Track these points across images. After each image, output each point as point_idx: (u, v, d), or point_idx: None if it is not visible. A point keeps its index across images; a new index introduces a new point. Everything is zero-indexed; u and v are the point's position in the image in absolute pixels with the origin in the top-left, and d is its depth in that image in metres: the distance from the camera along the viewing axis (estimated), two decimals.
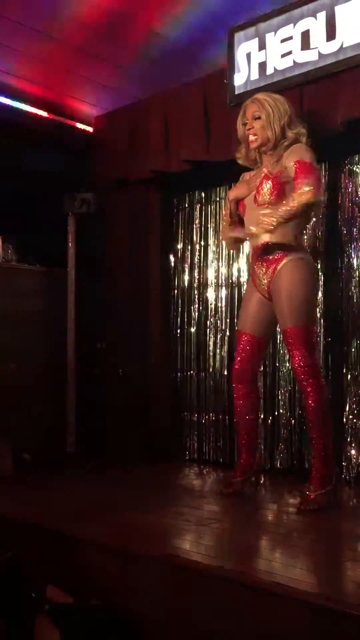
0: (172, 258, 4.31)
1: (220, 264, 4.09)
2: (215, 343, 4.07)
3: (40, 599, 2.26)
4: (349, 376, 3.49)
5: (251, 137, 3.03)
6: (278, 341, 3.78)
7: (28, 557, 2.59)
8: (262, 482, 3.44)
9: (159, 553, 2.25)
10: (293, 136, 2.99)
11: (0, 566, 2.58)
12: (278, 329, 3.13)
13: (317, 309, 3.43)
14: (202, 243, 4.19)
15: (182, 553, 2.28)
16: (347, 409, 3.47)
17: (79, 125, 4.42)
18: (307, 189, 2.79)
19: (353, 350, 3.48)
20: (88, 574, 2.39)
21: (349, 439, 3.45)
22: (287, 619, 1.88)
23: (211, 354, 4.08)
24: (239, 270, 4.00)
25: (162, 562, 2.20)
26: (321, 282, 3.51)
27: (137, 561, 2.26)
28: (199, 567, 2.12)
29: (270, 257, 2.95)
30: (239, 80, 3.52)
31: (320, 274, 3.48)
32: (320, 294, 3.50)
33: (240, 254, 3.99)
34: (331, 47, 3.15)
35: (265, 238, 2.95)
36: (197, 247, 4.21)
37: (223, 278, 4.07)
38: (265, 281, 2.98)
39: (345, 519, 2.86)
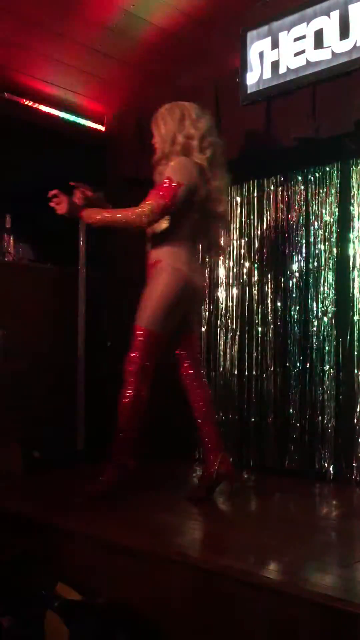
0: None
1: (230, 263, 4.08)
2: (225, 342, 4.07)
3: (50, 596, 2.26)
4: None
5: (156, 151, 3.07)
6: (288, 341, 3.77)
7: (37, 555, 2.59)
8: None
9: (167, 551, 2.25)
10: (182, 140, 2.95)
11: (9, 563, 2.59)
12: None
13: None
14: None
15: (190, 551, 2.27)
16: (358, 409, 3.45)
17: (91, 124, 4.43)
18: (138, 210, 2.84)
19: None
20: (97, 572, 2.39)
21: (359, 440, 3.44)
22: (297, 620, 1.87)
23: (221, 353, 4.08)
24: (249, 270, 3.99)
25: (170, 560, 2.20)
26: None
27: (145, 559, 2.26)
28: (208, 566, 2.11)
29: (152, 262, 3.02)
30: (251, 79, 3.51)
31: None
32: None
33: (250, 254, 3.98)
34: (345, 46, 3.13)
35: (149, 247, 3.06)
36: None
37: (233, 277, 4.07)
38: None
39: (356, 519, 2.85)
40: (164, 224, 2.96)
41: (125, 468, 2.97)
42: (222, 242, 3.32)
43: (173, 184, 2.83)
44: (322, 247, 3.68)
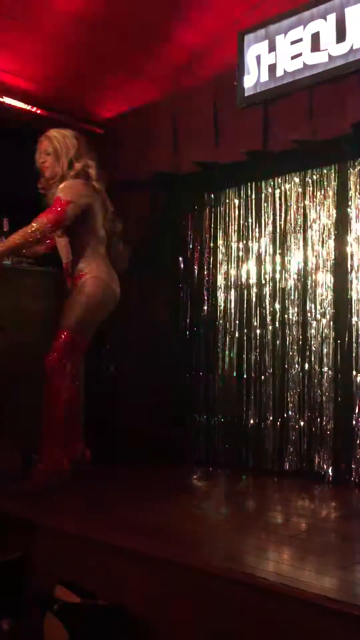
0: (181, 259, 4.32)
1: (229, 265, 4.09)
2: (224, 344, 4.08)
3: (50, 598, 2.26)
4: (359, 379, 3.48)
5: (45, 171, 3.29)
6: (287, 343, 3.78)
7: (36, 557, 2.60)
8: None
9: (167, 554, 2.25)
10: (80, 167, 3.24)
11: (8, 566, 2.59)
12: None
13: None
14: (212, 244, 4.20)
15: (188, 554, 2.28)
16: (357, 411, 3.46)
17: (89, 127, 4.43)
18: (29, 228, 3.09)
19: None
20: (96, 575, 2.39)
21: (358, 442, 3.45)
22: (296, 622, 1.87)
23: (220, 355, 4.09)
24: (247, 272, 4.00)
25: (170, 563, 2.20)
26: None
27: (145, 562, 2.27)
28: (207, 569, 2.12)
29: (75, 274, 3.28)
30: (248, 82, 3.52)
31: None
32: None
33: (250, 256, 3.99)
34: (341, 49, 3.13)
35: (65, 259, 3.37)
36: (206, 248, 4.21)
37: (232, 280, 4.08)
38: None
39: (355, 521, 2.86)
40: (73, 241, 3.29)
41: (59, 462, 3.13)
42: (123, 255, 3.55)
43: (62, 202, 3.13)
44: (320, 249, 3.69)
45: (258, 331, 3.92)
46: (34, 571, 2.56)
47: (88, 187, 3.24)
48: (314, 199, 3.72)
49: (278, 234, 3.87)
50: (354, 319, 3.51)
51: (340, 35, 3.13)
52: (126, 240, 4.03)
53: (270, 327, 3.87)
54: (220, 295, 4.13)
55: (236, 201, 4.08)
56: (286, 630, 1.89)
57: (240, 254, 4.04)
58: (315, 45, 3.23)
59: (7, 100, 3.99)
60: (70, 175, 3.23)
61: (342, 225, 3.59)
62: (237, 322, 4.03)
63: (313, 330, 3.68)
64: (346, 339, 3.54)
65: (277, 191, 3.88)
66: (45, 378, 3.15)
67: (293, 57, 3.32)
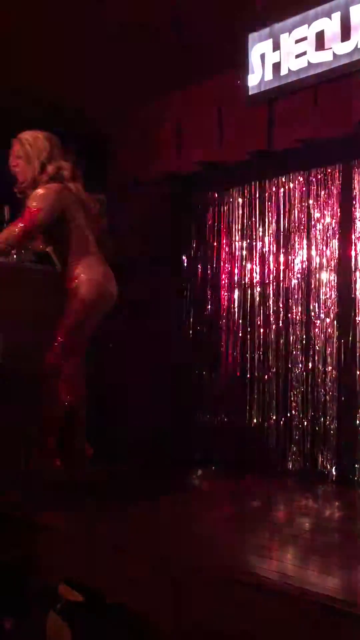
0: (184, 258, 4.32)
1: (233, 264, 4.09)
2: (227, 344, 4.07)
3: (53, 597, 2.26)
4: None
5: (17, 175, 3.20)
6: (291, 342, 3.77)
7: (40, 556, 2.60)
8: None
9: (170, 553, 2.25)
10: (52, 170, 3.13)
11: (12, 565, 2.59)
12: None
13: None
14: (215, 244, 4.19)
15: (192, 553, 2.27)
16: None
17: (93, 126, 4.43)
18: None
19: None
20: (99, 574, 2.39)
21: None
22: (299, 621, 1.87)
23: (224, 355, 4.08)
24: (251, 271, 4.00)
25: (172, 562, 2.20)
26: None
27: (146, 560, 2.26)
28: (210, 568, 2.12)
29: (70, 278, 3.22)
30: (253, 81, 3.52)
31: None
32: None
33: (254, 255, 3.99)
34: (346, 47, 3.14)
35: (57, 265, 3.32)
36: (210, 247, 4.21)
37: (236, 279, 4.07)
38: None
39: (358, 520, 2.85)
40: (61, 247, 3.22)
41: (51, 463, 3.11)
42: (111, 250, 3.45)
43: (32, 211, 3.04)
44: (324, 249, 3.68)
45: (261, 330, 3.91)
46: (37, 570, 2.56)
47: (62, 191, 3.12)
48: (318, 198, 3.72)
49: (282, 233, 3.86)
50: (358, 318, 3.51)
51: (345, 34, 3.13)
52: (124, 238, 4.04)
53: (273, 327, 3.86)
54: (224, 295, 4.12)
55: (240, 200, 4.07)
56: (289, 630, 1.89)
57: (244, 253, 4.03)
58: (320, 44, 3.23)
59: None
60: (42, 180, 3.13)
61: (346, 224, 3.59)
62: (240, 321, 4.03)
63: (317, 330, 3.68)
64: (350, 338, 3.53)
65: (281, 190, 3.87)
66: (41, 380, 3.13)
67: (298, 56, 3.32)
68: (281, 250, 3.86)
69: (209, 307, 4.18)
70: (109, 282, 3.25)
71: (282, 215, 3.87)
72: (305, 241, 3.76)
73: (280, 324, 3.83)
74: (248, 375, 3.95)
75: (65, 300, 3.24)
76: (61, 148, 3.21)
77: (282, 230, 3.87)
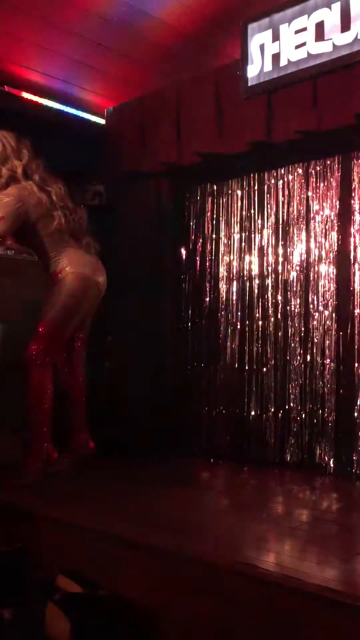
0: (183, 251, 4.31)
1: (231, 256, 4.08)
2: (226, 336, 4.07)
3: (51, 588, 2.27)
4: None
5: None
6: (289, 335, 3.77)
7: (38, 547, 2.60)
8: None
9: (168, 544, 2.25)
10: (7, 173, 3.12)
11: (10, 556, 2.60)
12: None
13: None
14: (214, 236, 4.18)
15: (191, 544, 2.28)
16: (359, 403, 3.46)
17: (91, 117, 4.42)
18: None
19: None
20: (98, 565, 2.40)
21: (359, 434, 3.44)
22: (297, 612, 1.88)
23: (222, 347, 4.08)
24: (250, 263, 3.99)
25: (172, 553, 2.20)
26: None
27: (147, 552, 2.27)
28: (209, 559, 2.12)
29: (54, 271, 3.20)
30: (252, 72, 3.50)
31: None
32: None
33: (252, 247, 3.98)
34: (346, 38, 3.12)
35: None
36: (209, 239, 4.20)
37: (234, 271, 4.06)
38: None
39: (356, 513, 2.86)
40: (40, 244, 3.20)
41: (47, 455, 3.12)
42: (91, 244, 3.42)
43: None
44: (323, 241, 3.67)
45: (260, 323, 3.91)
46: (35, 561, 2.57)
47: (19, 192, 3.09)
48: (317, 190, 3.71)
49: (281, 225, 3.85)
50: (357, 310, 3.50)
51: (345, 25, 3.12)
52: (120, 232, 4.04)
53: (272, 319, 3.86)
54: (223, 287, 4.11)
55: (239, 192, 4.06)
56: (287, 621, 1.89)
57: (243, 245, 4.02)
58: (320, 35, 3.21)
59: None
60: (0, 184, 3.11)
61: (345, 216, 3.58)
62: (239, 313, 4.02)
63: (315, 322, 3.68)
64: (348, 330, 3.53)
65: (280, 182, 3.86)
66: (25, 371, 3.12)
67: (297, 47, 3.31)
68: (280, 243, 3.85)
69: (208, 299, 4.18)
70: (95, 272, 3.24)
71: (281, 207, 3.86)
72: (304, 233, 3.75)
73: (279, 317, 3.83)
74: (247, 368, 3.95)
75: (50, 291, 3.21)
76: (17, 144, 3.18)
77: (281, 222, 3.86)
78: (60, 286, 3.16)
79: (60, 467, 3.21)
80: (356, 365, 3.49)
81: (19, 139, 3.23)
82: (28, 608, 2.26)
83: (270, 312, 3.87)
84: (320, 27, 3.21)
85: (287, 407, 3.75)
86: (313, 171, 3.73)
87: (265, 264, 3.91)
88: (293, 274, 3.79)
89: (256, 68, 3.48)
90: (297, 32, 3.31)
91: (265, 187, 3.93)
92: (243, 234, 4.03)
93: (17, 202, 3.07)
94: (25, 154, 3.19)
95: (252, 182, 4.00)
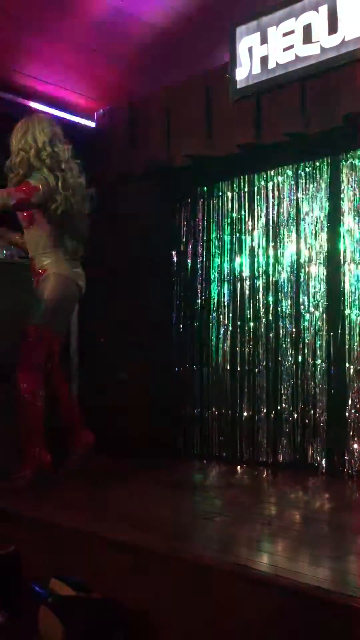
0: (174, 252, 4.32)
1: (222, 258, 4.09)
2: (217, 338, 4.08)
3: (44, 591, 2.26)
4: (352, 371, 3.49)
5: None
6: (280, 336, 3.79)
7: (31, 551, 2.60)
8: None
9: (161, 547, 2.26)
10: (47, 155, 3.19)
11: (3, 559, 2.59)
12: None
13: None
14: (205, 238, 4.19)
15: (184, 546, 2.28)
16: (350, 403, 3.48)
17: (81, 121, 4.42)
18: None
19: (355, 345, 3.49)
20: (91, 568, 2.40)
21: (351, 433, 3.47)
22: (289, 612, 1.88)
23: (213, 348, 4.09)
24: (241, 265, 4.00)
25: (165, 555, 2.21)
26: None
27: (140, 555, 2.27)
28: (202, 561, 2.13)
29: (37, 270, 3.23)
30: (240, 74, 3.51)
31: None
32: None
33: (243, 249, 3.99)
34: (333, 40, 3.14)
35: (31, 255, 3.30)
36: (200, 241, 4.21)
37: (225, 272, 4.08)
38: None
39: (347, 512, 2.87)
40: (37, 235, 3.22)
41: (41, 459, 3.11)
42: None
43: (32, 186, 3.09)
44: (313, 242, 3.69)
45: (251, 324, 3.93)
46: (28, 565, 2.56)
47: (51, 180, 3.17)
48: (307, 192, 3.73)
49: (271, 227, 3.87)
50: (347, 311, 3.52)
51: (332, 27, 3.13)
52: (113, 232, 4.02)
53: (263, 320, 3.88)
54: (214, 288, 4.13)
55: (229, 194, 4.08)
56: (280, 621, 1.90)
57: (234, 246, 4.04)
58: (307, 37, 3.22)
59: None
60: (37, 165, 3.18)
61: (334, 217, 3.60)
62: (230, 315, 4.04)
63: (306, 323, 3.69)
64: (339, 331, 3.55)
65: (270, 184, 3.88)
66: (16, 375, 3.13)
67: (285, 49, 3.32)
68: (270, 244, 3.86)
69: (199, 300, 4.19)
70: (75, 276, 3.26)
71: (271, 209, 3.88)
72: (294, 234, 3.77)
73: (270, 317, 3.85)
74: (238, 369, 3.97)
75: (34, 293, 3.24)
76: (41, 129, 3.22)
77: (271, 223, 3.87)
78: (43, 286, 3.18)
79: (72, 466, 3.24)
80: (347, 365, 3.51)
81: (48, 122, 3.28)
82: (21, 612, 2.26)
83: (261, 313, 3.89)
84: (307, 29, 3.22)
85: (278, 407, 3.77)
86: (302, 173, 3.75)
87: (255, 265, 3.93)
88: (284, 275, 3.81)
89: (245, 71, 3.49)
90: (285, 34, 3.32)
91: (255, 188, 3.95)
92: (234, 236, 4.05)
93: (49, 185, 3.13)
94: (41, 138, 3.20)
95: (242, 183, 4.02)
